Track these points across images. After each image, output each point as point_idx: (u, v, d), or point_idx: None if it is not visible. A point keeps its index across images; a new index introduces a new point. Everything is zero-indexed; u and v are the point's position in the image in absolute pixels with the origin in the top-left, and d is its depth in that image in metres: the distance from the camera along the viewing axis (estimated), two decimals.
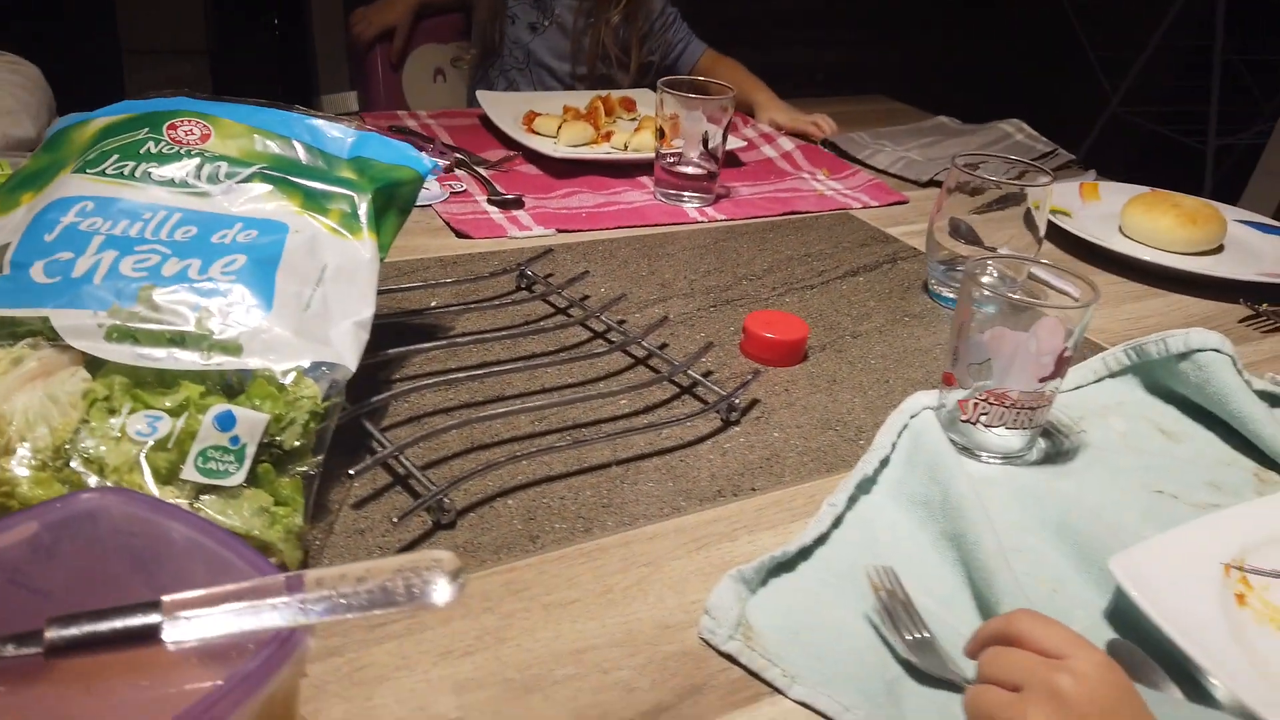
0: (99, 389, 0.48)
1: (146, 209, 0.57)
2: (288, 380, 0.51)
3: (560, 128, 1.17)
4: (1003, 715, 0.37)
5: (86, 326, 0.50)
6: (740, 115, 1.38)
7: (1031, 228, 0.84)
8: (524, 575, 0.50)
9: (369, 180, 0.63)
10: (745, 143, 1.24)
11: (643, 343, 0.71)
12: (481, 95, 1.26)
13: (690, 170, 1.05)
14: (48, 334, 0.50)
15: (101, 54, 2.73)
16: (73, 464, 0.45)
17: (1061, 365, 0.60)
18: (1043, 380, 0.60)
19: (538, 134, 1.18)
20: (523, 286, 0.82)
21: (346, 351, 0.55)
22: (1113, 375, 0.75)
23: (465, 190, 1.02)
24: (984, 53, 3.14)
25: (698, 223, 1.02)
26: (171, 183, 0.58)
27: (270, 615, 0.33)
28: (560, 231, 0.95)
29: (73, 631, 0.31)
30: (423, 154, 0.66)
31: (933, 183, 1.20)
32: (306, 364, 0.52)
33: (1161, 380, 0.73)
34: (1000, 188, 0.83)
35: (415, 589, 0.36)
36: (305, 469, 0.50)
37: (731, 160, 1.21)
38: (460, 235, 0.92)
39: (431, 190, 0.99)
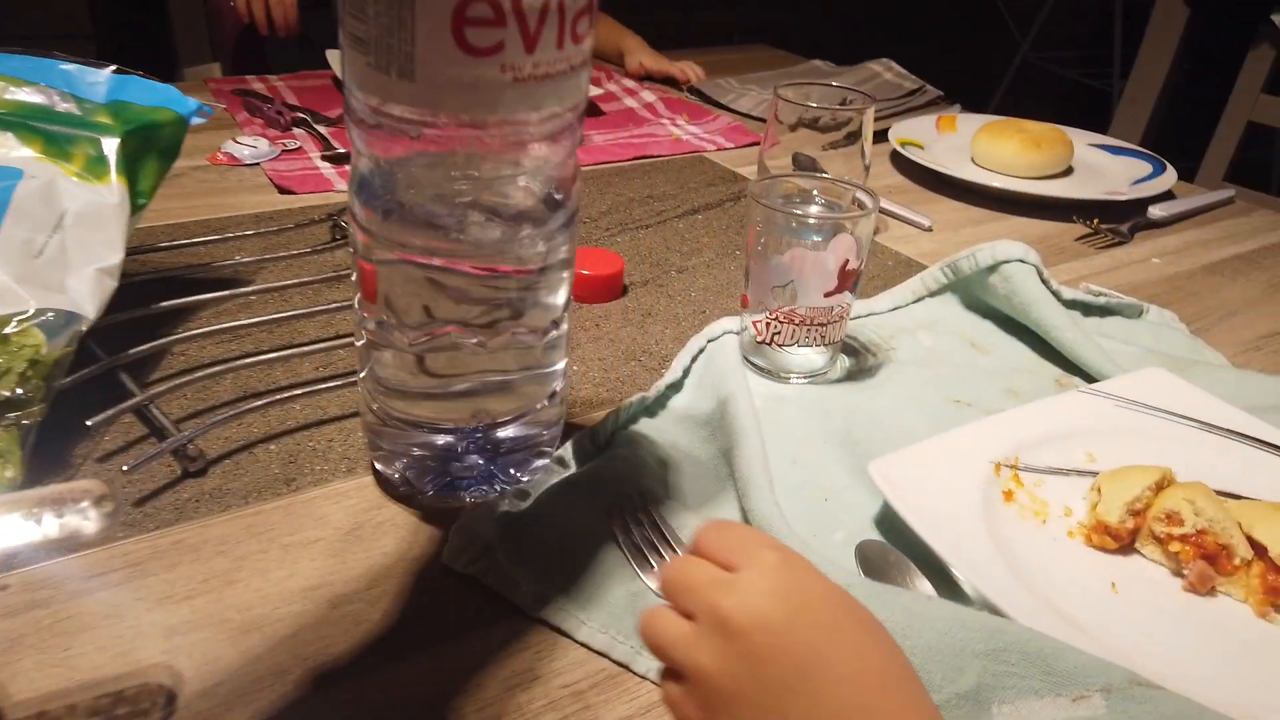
0: None
1: None
2: (9, 329, 0.48)
3: None
4: (675, 655, 0.32)
5: None
6: (605, 69, 1.35)
7: (862, 156, 0.83)
8: (270, 519, 0.48)
9: (121, 123, 0.60)
10: (602, 92, 1.22)
11: None
12: (331, 54, 1.22)
13: None
14: None
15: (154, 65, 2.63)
16: None
17: (846, 279, 0.59)
18: (829, 295, 0.59)
19: None
20: (338, 238, 0.79)
21: (85, 300, 0.52)
22: (932, 295, 0.74)
23: (300, 148, 0.99)
24: (903, 5, 3.15)
25: None
26: None
27: None
28: None
29: None
30: (187, 97, 0.63)
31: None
32: (29, 311, 0.49)
33: (976, 295, 0.73)
34: (828, 115, 0.82)
35: (64, 520, 0.34)
36: (23, 419, 0.47)
37: (592, 110, 1.19)
38: (283, 191, 0.88)
39: (259, 148, 0.96)
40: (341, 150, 0.97)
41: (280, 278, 0.72)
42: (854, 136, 0.83)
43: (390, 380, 0.46)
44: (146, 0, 2.32)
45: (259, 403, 0.54)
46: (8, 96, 0.59)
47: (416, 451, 0.48)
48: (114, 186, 0.57)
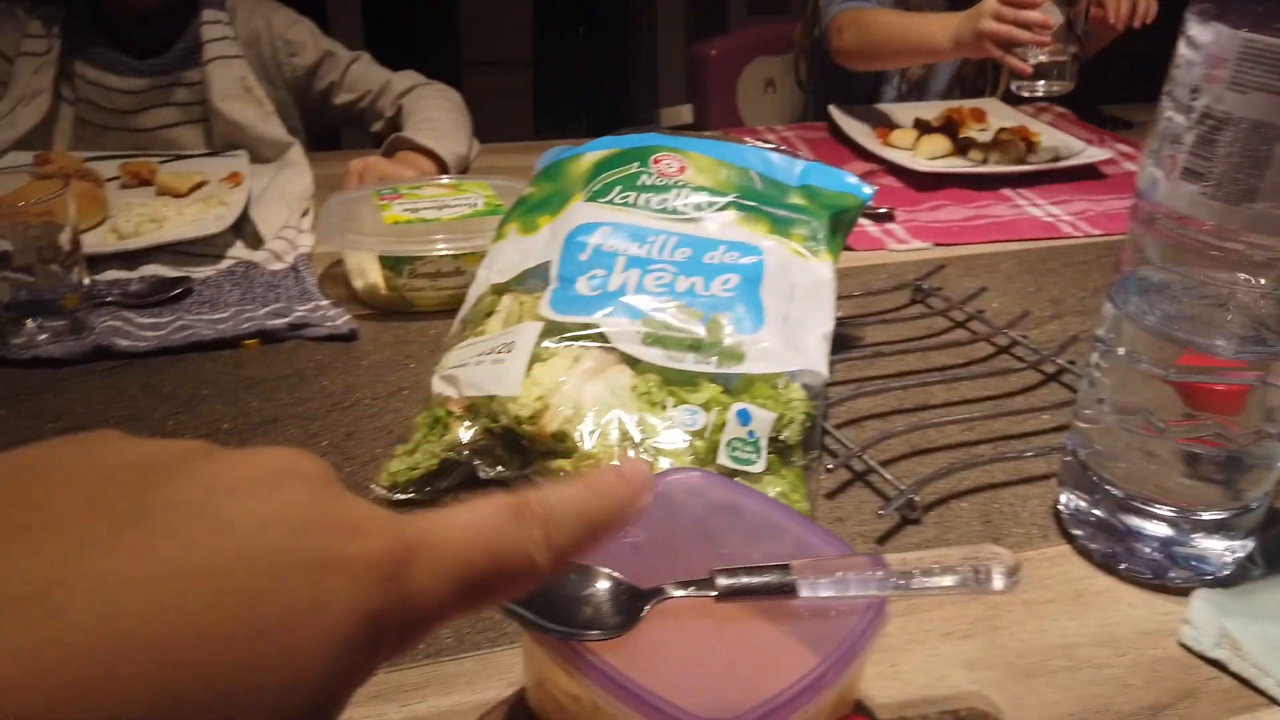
0: (641, 384, 0.59)
1: (650, 233, 0.67)
2: (781, 384, 0.60)
3: (918, 141, 1.21)
4: None
5: (626, 332, 0.61)
6: (1110, 134, 1.35)
7: None
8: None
9: (821, 206, 0.71)
10: (1109, 155, 1.22)
11: (1056, 360, 0.74)
12: (835, 110, 1.32)
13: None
14: (595, 338, 0.61)
15: (442, 66, 3.06)
16: (632, 447, 0.56)
17: None
18: None
19: (895, 147, 1.23)
20: (917, 300, 0.87)
21: (818, 360, 0.63)
22: None
23: None
24: None
25: (1071, 237, 1.02)
26: (665, 210, 0.69)
27: (871, 585, 0.41)
28: (937, 245, 0.99)
29: (736, 581, 0.40)
30: (862, 182, 0.73)
31: None
32: (793, 370, 0.61)
33: None
34: None
35: (981, 576, 0.42)
36: (803, 462, 0.58)
37: (1093, 173, 1.20)
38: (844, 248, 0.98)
39: None
40: (882, 210, 1.06)
41: (884, 335, 0.81)
42: None
43: (1122, 464, 0.52)
44: (625, 48, 2.58)
45: (957, 464, 0.62)
46: (728, 179, 0.72)
47: (1124, 528, 0.54)
48: (826, 262, 0.68)
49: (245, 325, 0.76)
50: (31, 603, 0.17)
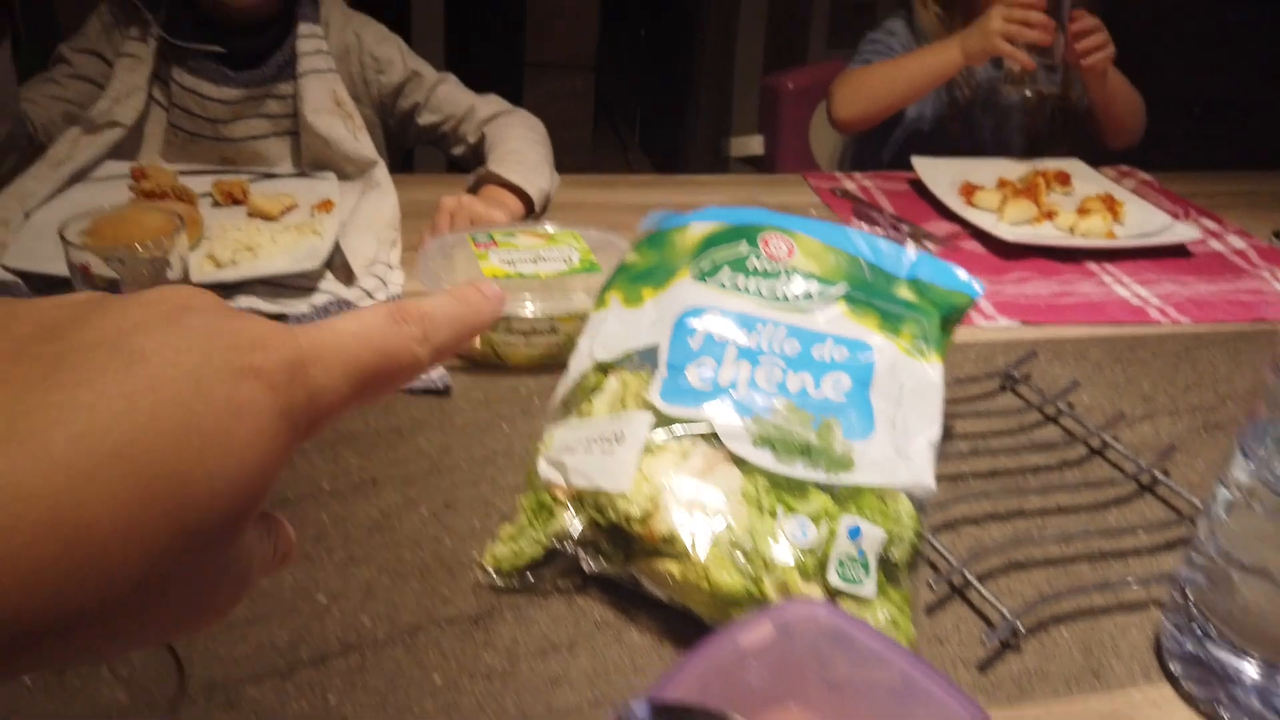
0: (750, 488, 0.58)
1: (759, 321, 0.67)
2: (889, 498, 0.59)
3: (1003, 204, 1.20)
4: None
5: (736, 430, 0.60)
6: (1193, 205, 1.33)
7: None
8: (1095, 707, 0.55)
9: (931, 304, 0.70)
10: (1197, 235, 1.20)
11: (1152, 471, 0.73)
12: (918, 161, 1.31)
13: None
14: (705, 434, 0.61)
15: (504, 66, 3.06)
16: (742, 555, 0.56)
17: None
18: None
19: (979, 208, 1.21)
20: (1006, 387, 0.86)
21: (924, 471, 0.63)
22: None
23: None
24: None
25: (1160, 324, 1.01)
26: (774, 297, 0.68)
27: None
28: (1023, 324, 0.98)
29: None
30: (972, 278, 0.72)
31: None
32: (902, 482, 0.60)
33: None
34: None
35: None
36: (910, 584, 0.57)
37: (1180, 251, 1.18)
38: None
39: None
40: None
41: (974, 427, 0.80)
42: None
43: (1236, 614, 0.51)
44: (691, 65, 2.56)
45: (1059, 589, 0.61)
46: (836, 266, 0.71)
47: (1231, 674, 0.53)
48: (935, 364, 0.67)
49: None
50: (2, 440, 0.19)
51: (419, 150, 1.42)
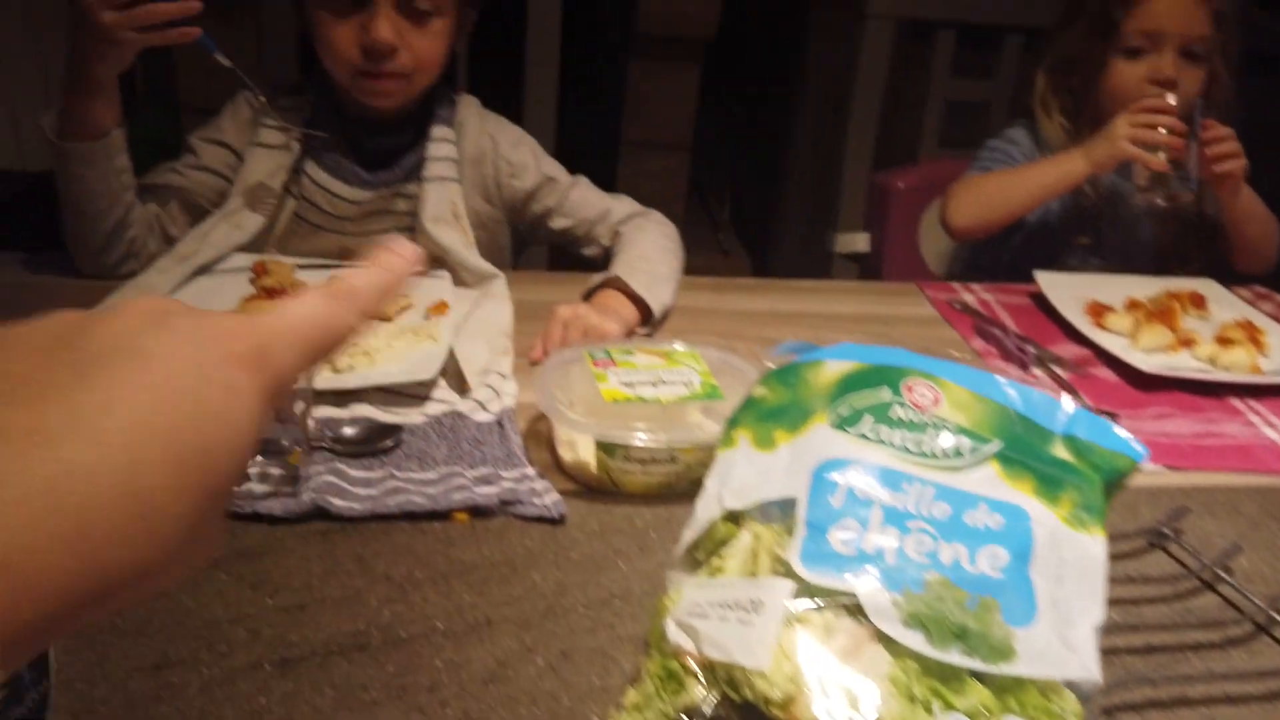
0: (900, 674, 0.54)
1: (905, 479, 0.62)
2: (1053, 693, 0.54)
3: (1136, 328, 1.14)
4: None
5: (885, 606, 0.56)
6: None
7: None
8: None
9: (1091, 466, 0.65)
10: None
11: None
12: (1042, 277, 1.26)
13: None
14: (851, 607, 0.56)
15: (601, 144, 3.10)
16: None
17: None
18: None
19: (1109, 331, 1.15)
20: (1155, 545, 0.80)
21: (1090, 660, 0.57)
22: None
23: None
24: None
25: None
26: (921, 452, 0.64)
27: None
28: (1168, 468, 0.91)
29: None
30: (1132, 439, 0.67)
31: None
32: (1069, 674, 0.55)
33: None
34: None
35: None
36: None
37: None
38: None
39: None
40: (1099, 411, 0.99)
41: (1126, 594, 0.73)
42: None
43: None
44: (779, 160, 2.56)
45: None
46: (985, 418, 0.67)
47: None
48: (1097, 538, 0.62)
49: (455, 495, 0.74)
50: (69, 432, 0.24)
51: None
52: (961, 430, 0.65)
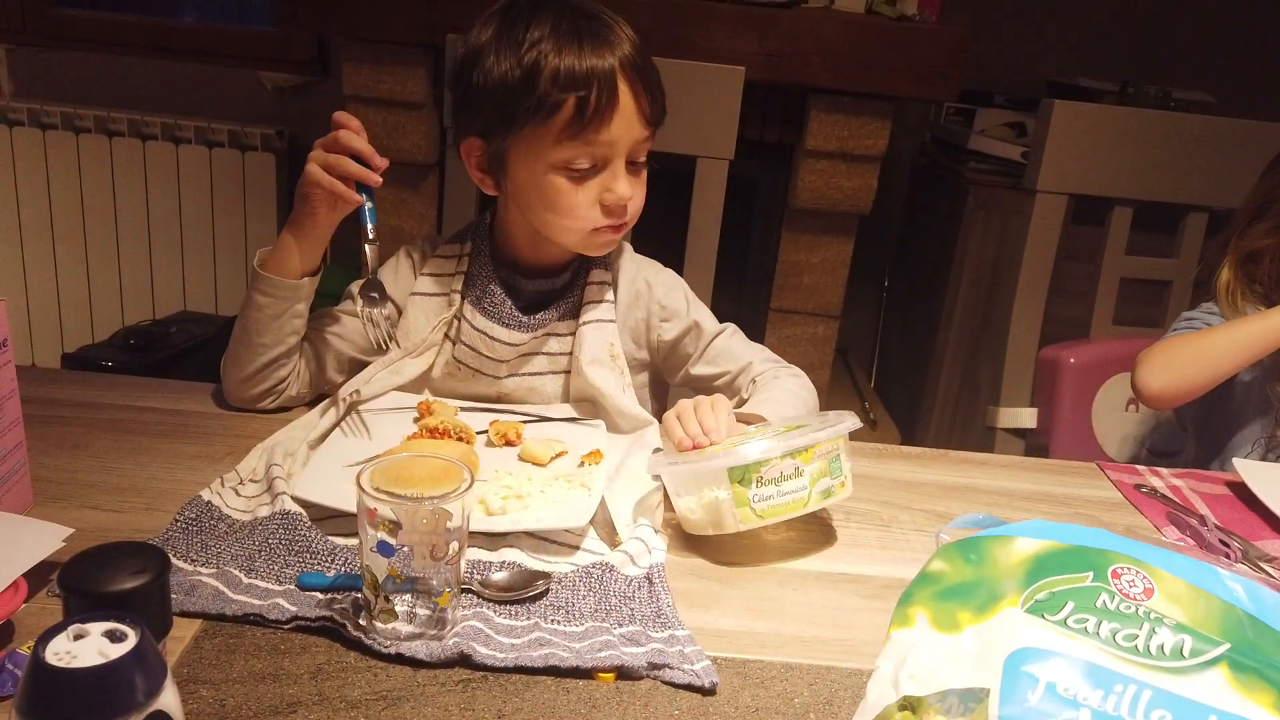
0: None
1: (1117, 679, 0.54)
2: None
3: None
4: None
5: None
6: None
7: None
8: None
9: None
10: None
11: None
12: (1242, 465, 1.14)
13: None
14: None
15: (751, 309, 3.13)
16: None
17: None
18: None
19: None
20: None
21: None
22: None
23: None
24: None
25: None
26: (1133, 650, 0.56)
27: None
28: None
29: None
30: None
31: None
32: None
33: None
34: None
35: None
36: None
37: None
38: None
39: None
40: None
41: None
42: None
43: None
44: (927, 331, 2.52)
45: None
46: (1207, 616, 0.58)
47: None
48: None
49: (602, 654, 0.70)
50: None
51: None
52: (1183, 628, 0.57)
